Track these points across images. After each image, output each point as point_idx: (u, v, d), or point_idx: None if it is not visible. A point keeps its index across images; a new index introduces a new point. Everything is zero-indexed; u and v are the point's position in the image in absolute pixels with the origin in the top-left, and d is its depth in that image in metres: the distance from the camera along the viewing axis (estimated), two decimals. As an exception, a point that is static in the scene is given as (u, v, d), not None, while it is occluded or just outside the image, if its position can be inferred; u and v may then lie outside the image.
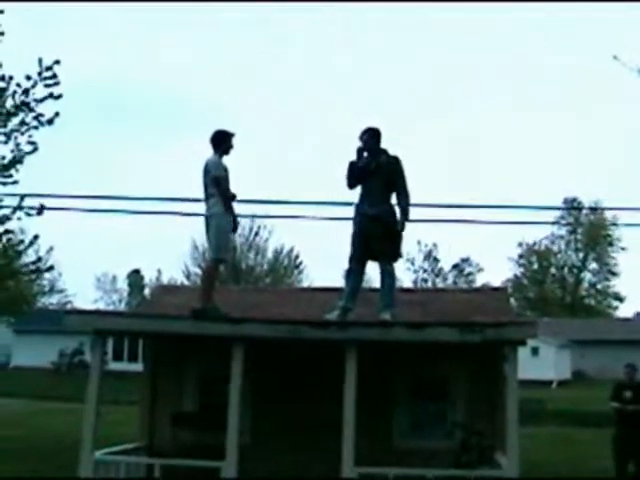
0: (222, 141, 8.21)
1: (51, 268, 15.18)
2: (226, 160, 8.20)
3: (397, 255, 8.22)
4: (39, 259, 13.53)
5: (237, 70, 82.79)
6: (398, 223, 8.13)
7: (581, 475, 12.51)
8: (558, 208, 52.69)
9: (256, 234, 42.86)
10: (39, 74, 11.77)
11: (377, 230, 8.04)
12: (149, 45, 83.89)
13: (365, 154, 8.32)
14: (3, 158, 12.13)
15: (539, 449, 14.67)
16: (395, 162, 8.25)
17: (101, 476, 7.53)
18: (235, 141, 8.28)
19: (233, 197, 8.13)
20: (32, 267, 14.26)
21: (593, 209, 55.62)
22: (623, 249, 64.58)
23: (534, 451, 13.61)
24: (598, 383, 33.22)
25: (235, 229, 8.36)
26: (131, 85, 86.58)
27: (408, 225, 8.18)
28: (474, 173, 78.67)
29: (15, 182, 12.10)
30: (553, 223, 53.84)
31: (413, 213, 8.30)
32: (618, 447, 11.06)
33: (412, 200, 8.26)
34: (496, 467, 7.70)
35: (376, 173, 8.16)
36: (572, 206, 54.63)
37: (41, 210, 11.75)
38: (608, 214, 55.25)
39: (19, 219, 12.02)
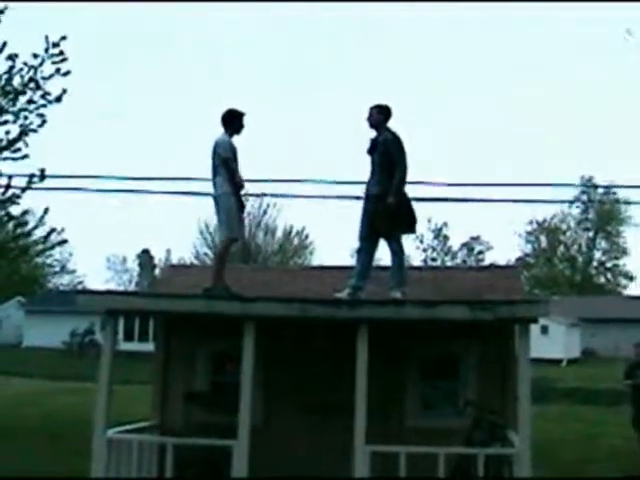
0: (233, 121, 8.16)
1: (64, 242, 14.78)
2: (237, 139, 8.17)
3: (412, 228, 8.20)
4: (53, 230, 13.32)
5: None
6: (390, 198, 7.95)
7: (591, 453, 12.54)
8: (569, 185, 52.43)
9: (264, 212, 42.84)
10: (46, 50, 11.72)
11: (381, 208, 7.99)
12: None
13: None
14: (7, 133, 12.07)
15: (549, 427, 14.68)
16: (396, 139, 8.19)
17: (113, 454, 7.58)
18: (245, 121, 8.24)
19: (241, 186, 8.10)
20: (46, 244, 14.04)
21: (605, 187, 55.26)
22: (636, 226, 64.43)
23: (544, 429, 13.62)
24: (607, 361, 33.27)
25: (241, 211, 8.32)
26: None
27: (419, 203, 8.15)
28: (486, 153, 78.34)
29: (25, 156, 12.06)
30: (570, 202, 53.44)
31: (423, 191, 8.27)
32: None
33: (420, 178, 8.23)
34: (508, 445, 7.72)
35: (381, 151, 8.13)
36: (584, 184, 54.32)
37: (42, 176, 11.69)
38: (621, 193, 54.88)
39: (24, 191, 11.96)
